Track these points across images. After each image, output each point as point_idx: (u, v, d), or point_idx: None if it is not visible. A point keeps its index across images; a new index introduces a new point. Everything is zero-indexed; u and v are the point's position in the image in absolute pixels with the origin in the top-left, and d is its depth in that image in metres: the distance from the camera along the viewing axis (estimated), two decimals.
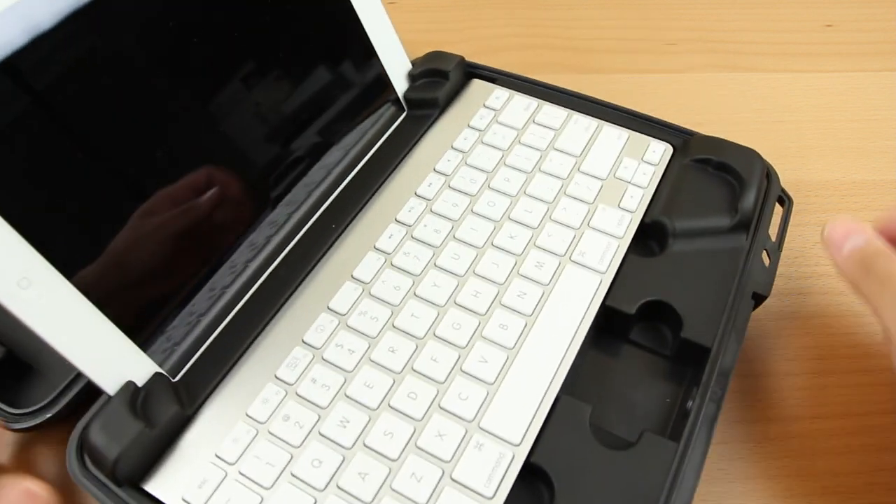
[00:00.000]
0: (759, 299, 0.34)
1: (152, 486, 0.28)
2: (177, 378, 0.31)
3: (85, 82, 0.28)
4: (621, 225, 0.36)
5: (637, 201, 0.37)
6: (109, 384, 0.29)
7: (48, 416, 0.30)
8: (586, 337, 0.32)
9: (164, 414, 0.29)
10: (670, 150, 0.39)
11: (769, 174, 0.37)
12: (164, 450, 0.29)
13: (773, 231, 0.36)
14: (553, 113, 0.41)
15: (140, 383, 0.29)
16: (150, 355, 0.30)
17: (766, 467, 0.32)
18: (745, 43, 0.54)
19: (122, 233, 0.29)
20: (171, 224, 0.31)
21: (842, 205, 0.43)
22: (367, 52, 0.40)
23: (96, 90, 0.28)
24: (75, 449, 0.28)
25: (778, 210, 0.37)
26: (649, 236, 0.36)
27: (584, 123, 0.41)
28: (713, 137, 0.39)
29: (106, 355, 0.28)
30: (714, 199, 0.36)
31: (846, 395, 0.35)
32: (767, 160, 0.38)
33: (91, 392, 0.29)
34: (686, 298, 0.33)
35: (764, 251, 0.35)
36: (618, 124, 0.41)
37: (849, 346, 0.36)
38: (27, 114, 0.26)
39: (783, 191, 0.37)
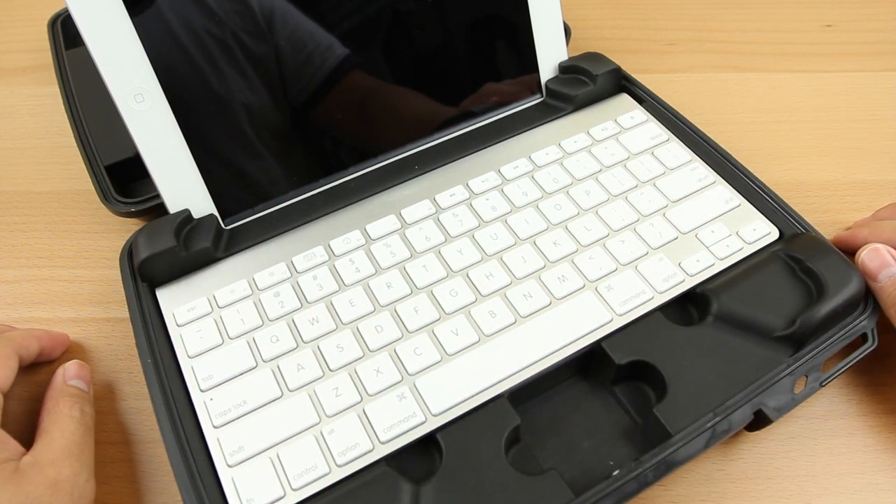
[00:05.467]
0: (761, 418, 0.30)
1: (161, 293, 0.34)
2: (226, 227, 0.36)
3: None
4: (667, 282, 0.33)
5: (701, 268, 0.34)
6: (172, 204, 0.35)
7: (132, 210, 0.38)
8: (563, 365, 0.31)
9: (198, 246, 0.34)
10: (775, 235, 0.35)
11: (867, 300, 0.32)
12: (185, 272, 0.35)
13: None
14: (676, 152, 0.39)
15: (195, 215, 0.35)
16: (214, 200, 0.36)
17: (765, 467, 0.32)
18: (745, 43, 0.53)
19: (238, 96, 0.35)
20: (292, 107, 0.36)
21: (842, 205, 0.42)
22: (525, 32, 0.41)
23: None
24: (129, 242, 0.35)
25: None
26: (691, 303, 0.34)
27: (700, 174, 0.38)
28: (824, 242, 0.34)
29: (179, 182, 0.35)
30: (783, 300, 0.32)
31: (845, 395, 0.34)
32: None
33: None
34: (684, 380, 0.30)
35: (804, 377, 0.31)
36: (736, 189, 0.37)
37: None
38: None
39: (873, 331, 0.32)
